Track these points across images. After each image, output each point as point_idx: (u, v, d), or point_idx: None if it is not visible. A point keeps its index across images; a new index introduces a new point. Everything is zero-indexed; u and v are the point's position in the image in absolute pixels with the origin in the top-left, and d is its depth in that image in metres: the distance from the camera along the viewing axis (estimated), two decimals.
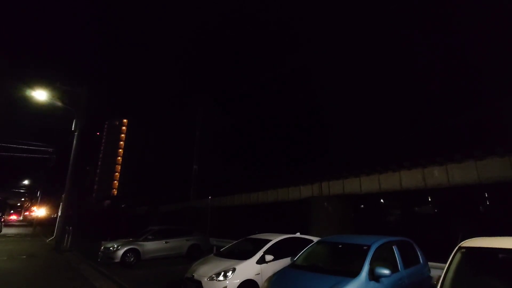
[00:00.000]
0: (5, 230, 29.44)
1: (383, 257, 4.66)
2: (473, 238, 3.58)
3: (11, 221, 59.23)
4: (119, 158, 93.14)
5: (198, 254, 11.01)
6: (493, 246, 3.34)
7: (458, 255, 3.37)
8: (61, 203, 17.47)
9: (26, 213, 69.95)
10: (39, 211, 46.84)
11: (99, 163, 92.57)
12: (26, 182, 54.58)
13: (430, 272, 5.51)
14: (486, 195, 19.88)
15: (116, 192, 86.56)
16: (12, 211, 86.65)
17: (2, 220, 32.79)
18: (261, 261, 5.83)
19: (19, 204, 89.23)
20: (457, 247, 3.49)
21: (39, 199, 43.78)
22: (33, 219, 46.06)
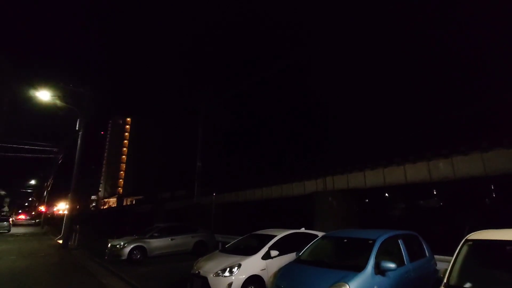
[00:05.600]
0: (14, 230, 29.88)
1: (388, 251, 4.64)
2: (480, 231, 3.55)
3: (20, 221, 60.15)
4: (124, 156, 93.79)
5: (203, 250, 11.06)
6: (500, 239, 3.30)
7: (465, 248, 3.35)
8: (68, 202, 17.66)
9: (33, 212, 70.96)
10: (60, 206, 46.58)
11: (104, 162, 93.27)
12: (33, 182, 55.23)
13: (436, 265, 5.48)
14: (493, 187, 19.69)
15: (121, 191, 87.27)
16: (20, 211, 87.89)
17: (11, 220, 33.29)
18: (267, 256, 5.84)
19: (26, 204, 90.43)
20: (463, 240, 3.46)
21: (46, 199, 44.29)
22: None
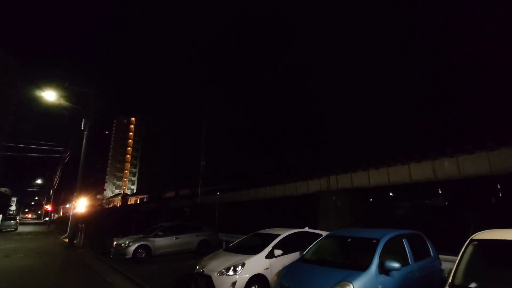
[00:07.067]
0: (21, 228, 30.27)
1: (393, 251, 4.62)
2: (485, 230, 3.53)
3: (26, 219, 60.97)
4: (128, 156, 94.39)
5: (207, 249, 11.10)
6: (506, 238, 3.27)
7: (470, 248, 3.33)
8: (73, 201, 17.84)
9: (40, 211, 71.71)
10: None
11: (109, 161, 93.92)
12: (39, 181, 55.87)
13: (441, 265, 5.45)
14: (498, 187, 19.50)
15: (126, 190, 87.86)
16: (26, 210, 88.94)
17: (18, 219, 33.75)
18: (270, 255, 5.85)
19: (33, 203, 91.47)
20: (468, 240, 3.44)
21: (52, 198, 44.81)
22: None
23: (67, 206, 59.51)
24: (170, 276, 7.93)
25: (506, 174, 11.40)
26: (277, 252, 5.89)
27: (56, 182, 42.01)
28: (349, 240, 5.34)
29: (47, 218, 45.78)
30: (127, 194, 78.23)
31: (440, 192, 24.15)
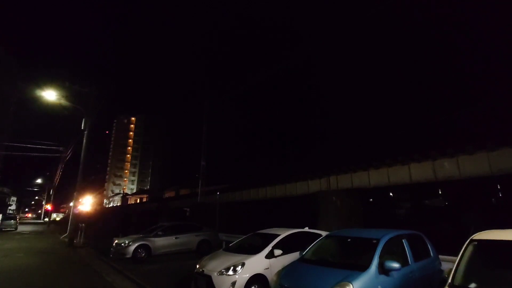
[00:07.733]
0: (21, 228, 30.29)
1: (393, 251, 4.62)
2: (485, 231, 3.53)
3: (26, 219, 60.99)
4: (128, 156, 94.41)
5: (207, 249, 11.11)
6: (506, 239, 3.28)
7: (470, 248, 3.33)
8: (73, 201, 17.84)
9: (40, 211, 71.76)
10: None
11: (109, 161, 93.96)
12: (39, 181, 55.89)
13: (441, 266, 5.45)
14: (499, 187, 19.51)
15: (126, 189, 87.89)
16: (27, 210, 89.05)
17: (18, 218, 33.79)
18: (270, 255, 5.85)
19: (33, 203, 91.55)
20: (468, 240, 3.44)
21: (52, 198, 44.85)
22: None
23: (70, 204, 59.69)
24: (170, 276, 7.93)
25: (506, 174, 11.40)
26: (277, 252, 5.89)
27: (56, 181, 42.04)
28: (349, 240, 5.34)
29: (46, 218, 45.80)
30: (127, 194, 78.28)
31: (440, 192, 24.16)
